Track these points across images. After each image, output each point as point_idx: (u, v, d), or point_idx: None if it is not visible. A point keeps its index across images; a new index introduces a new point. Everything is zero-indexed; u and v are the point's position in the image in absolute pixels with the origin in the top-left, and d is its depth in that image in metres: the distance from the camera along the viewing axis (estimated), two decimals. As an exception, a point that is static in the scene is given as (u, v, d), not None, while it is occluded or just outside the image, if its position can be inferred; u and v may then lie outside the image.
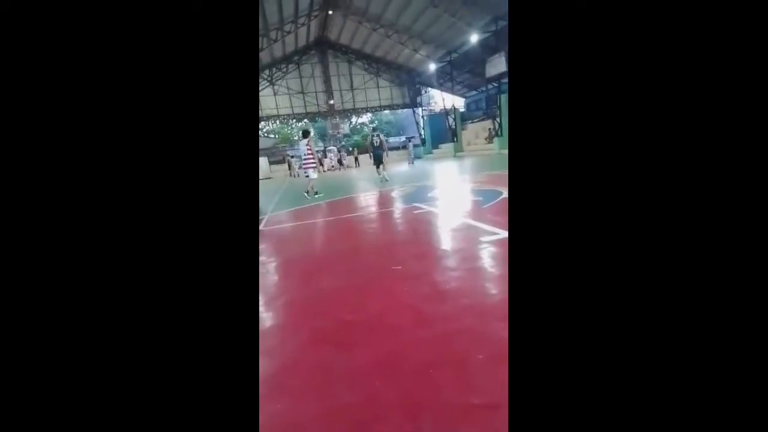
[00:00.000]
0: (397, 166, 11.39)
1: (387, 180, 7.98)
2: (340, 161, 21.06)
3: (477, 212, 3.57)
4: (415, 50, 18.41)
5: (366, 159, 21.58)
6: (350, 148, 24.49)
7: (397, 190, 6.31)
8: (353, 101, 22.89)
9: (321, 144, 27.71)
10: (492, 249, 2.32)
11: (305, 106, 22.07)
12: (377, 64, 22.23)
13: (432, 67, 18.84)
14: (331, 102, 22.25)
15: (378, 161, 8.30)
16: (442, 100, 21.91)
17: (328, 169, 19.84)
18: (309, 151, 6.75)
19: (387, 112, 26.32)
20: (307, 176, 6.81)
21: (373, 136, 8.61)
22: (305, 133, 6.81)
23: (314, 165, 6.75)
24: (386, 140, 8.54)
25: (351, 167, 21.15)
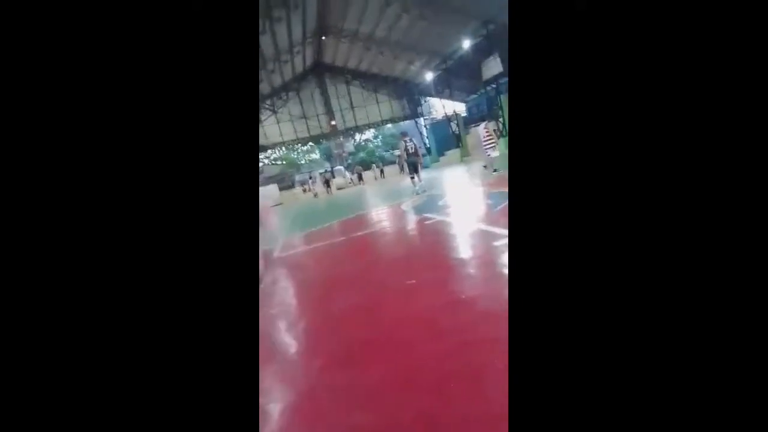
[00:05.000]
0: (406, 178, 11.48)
1: (425, 190, 7.10)
2: (360, 176, 21.27)
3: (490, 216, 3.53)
4: (410, 63, 18.70)
5: (390, 170, 21.39)
6: (362, 164, 24.67)
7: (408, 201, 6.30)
8: (354, 119, 23.26)
9: (327, 164, 28.08)
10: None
11: (308, 130, 22.53)
12: (374, 81, 22.63)
13: (429, 76, 19.05)
14: (333, 122, 22.66)
15: (413, 169, 7.46)
16: (442, 107, 22.05)
17: (338, 188, 19.95)
18: (487, 134, 7.76)
19: (390, 125, 26.61)
20: (488, 155, 7.76)
21: (406, 142, 7.59)
22: (482, 118, 8.15)
23: (494, 145, 7.77)
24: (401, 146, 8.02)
25: (376, 179, 21.20)
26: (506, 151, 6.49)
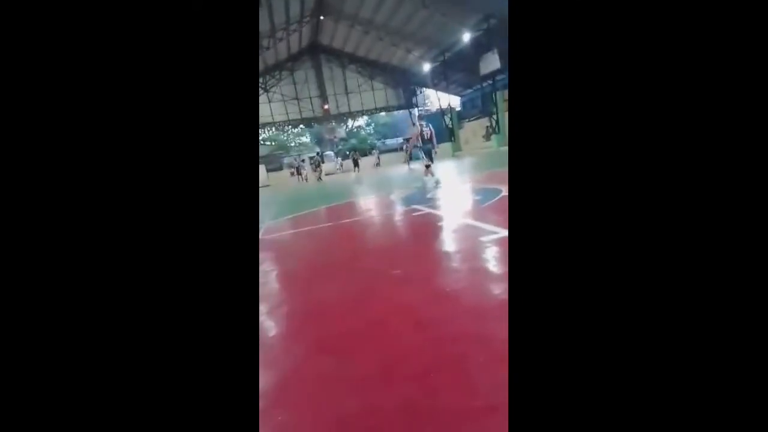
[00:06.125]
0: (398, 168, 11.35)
1: (439, 183, 6.19)
2: (356, 162, 20.38)
3: (477, 212, 3.56)
4: (408, 51, 18.47)
5: (389, 158, 20.64)
6: (350, 151, 24.28)
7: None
8: (348, 105, 22.93)
9: (317, 148, 27.67)
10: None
11: (300, 112, 22.14)
12: (371, 67, 22.28)
13: (426, 67, 18.86)
14: (326, 106, 22.29)
15: (429, 157, 6.47)
16: (437, 99, 21.93)
17: (327, 173, 19.64)
18: None
19: (383, 114, 26.32)
20: None
21: (422, 126, 6.61)
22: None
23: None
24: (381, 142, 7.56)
25: (377, 166, 20.73)
26: (499, 147, 6.33)
